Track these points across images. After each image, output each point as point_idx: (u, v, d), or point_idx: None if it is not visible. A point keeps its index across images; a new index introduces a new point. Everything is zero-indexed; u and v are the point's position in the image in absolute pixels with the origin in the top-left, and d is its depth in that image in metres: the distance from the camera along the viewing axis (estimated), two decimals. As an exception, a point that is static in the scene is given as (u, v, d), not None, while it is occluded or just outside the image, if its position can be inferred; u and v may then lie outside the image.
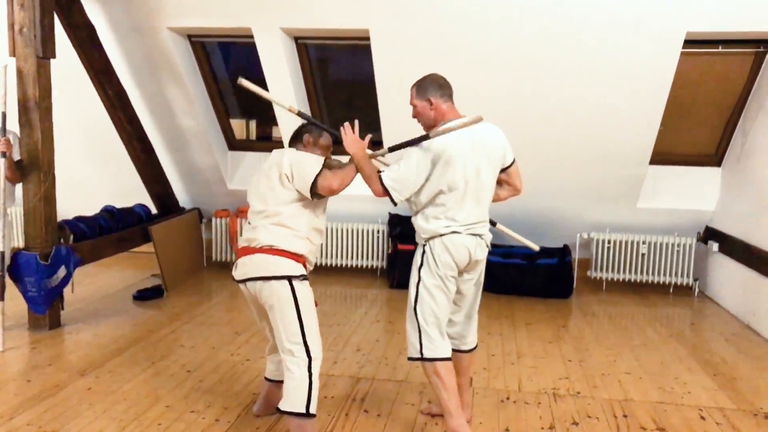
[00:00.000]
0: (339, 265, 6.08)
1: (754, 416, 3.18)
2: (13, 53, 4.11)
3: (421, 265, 2.73)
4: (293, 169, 2.60)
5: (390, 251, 5.84)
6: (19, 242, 5.78)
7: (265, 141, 6.03)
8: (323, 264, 6.05)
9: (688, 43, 4.42)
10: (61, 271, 4.28)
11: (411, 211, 2.80)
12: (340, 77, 5.88)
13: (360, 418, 3.05)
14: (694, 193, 5.46)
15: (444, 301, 2.72)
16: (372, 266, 6.07)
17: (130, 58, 5.31)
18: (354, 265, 6.07)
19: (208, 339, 4.18)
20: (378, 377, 3.58)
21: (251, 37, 4.94)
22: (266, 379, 3.02)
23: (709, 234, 5.45)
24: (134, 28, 5.04)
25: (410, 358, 2.77)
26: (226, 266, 6.27)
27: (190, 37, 5.25)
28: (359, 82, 5.51)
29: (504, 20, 4.39)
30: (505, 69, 4.67)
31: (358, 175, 2.73)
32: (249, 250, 2.64)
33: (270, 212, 2.63)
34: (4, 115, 4.01)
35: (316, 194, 2.62)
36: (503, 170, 2.82)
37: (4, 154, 4.00)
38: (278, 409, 2.62)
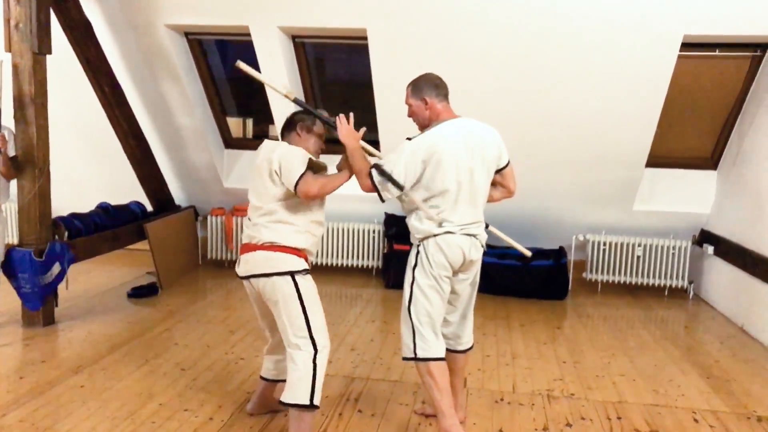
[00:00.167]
0: (334, 264, 6.07)
1: (747, 419, 3.19)
2: (8, 49, 4.09)
3: (415, 265, 2.72)
4: (282, 166, 2.58)
5: (385, 251, 5.83)
6: (13, 238, 5.77)
7: (262, 139, 5.98)
8: (318, 263, 6.04)
9: (685, 46, 4.43)
10: (56, 268, 4.26)
11: (404, 211, 2.79)
12: (337, 76, 5.87)
13: (354, 418, 3.05)
14: (689, 196, 5.47)
15: (438, 301, 2.71)
16: (367, 266, 6.06)
17: (127, 55, 5.30)
18: (349, 265, 6.07)
19: (203, 337, 4.17)
20: (372, 377, 3.57)
21: (248, 35, 4.93)
22: (261, 377, 3.02)
23: (705, 237, 5.46)
24: (131, 25, 5.03)
25: (404, 358, 2.77)
26: (221, 264, 6.27)
27: (187, 34, 5.24)
28: (356, 82, 5.51)
29: (502, 21, 4.39)
30: (503, 70, 4.67)
31: (356, 176, 2.72)
32: (251, 247, 2.65)
33: (267, 210, 2.63)
34: (-1, 110, 4.00)
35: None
36: (498, 171, 2.80)
37: (-1, 150, 3.99)
38: (281, 402, 2.62)
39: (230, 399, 3.22)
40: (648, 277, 5.66)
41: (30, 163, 4.15)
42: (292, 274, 2.60)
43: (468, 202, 2.67)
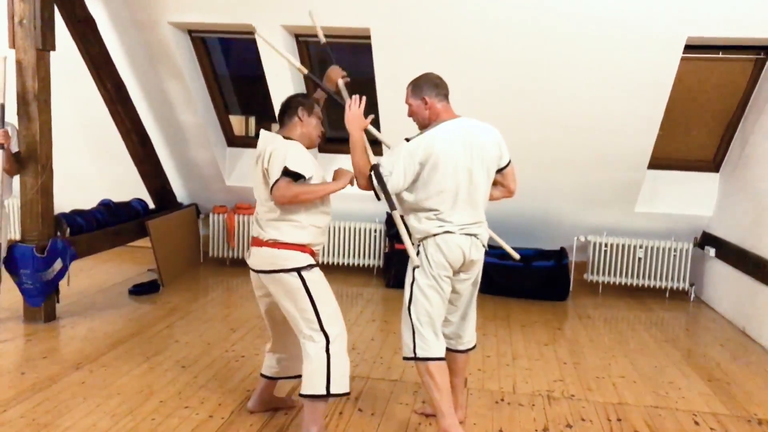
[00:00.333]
0: (335, 263, 6.07)
1: (747, 422, 3.18)
2: (12, 45, 4.09)
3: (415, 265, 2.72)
4: (270, 164, 2.56)
5: (387, 250, 5.84)
6: (15, 234, 5.77)
7: (264, 138, 6.01)
8: (320, 262, 6.03)
9: (689, 48, 4.42)
10: (57, 264, 4.27)
11: (403, 211, 2.76)
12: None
13: (354, 417, 3.05)
14: (691, 199, 5.47)
15: (438, 301, 2.70)
16: (368, 265, 6.06)
17: (130, 52, 5.30)
18: (350, 264, 6.07)
19: (203, 335, 4.17)
20: (372, 376, 3.57)
21: (252, 33, 4.93)
22: (262, 375, 3.02)
23: (706, 239, 5.45)
24: (135, 22, 5.03)
25: (405, 358, 2.77)
26: (223, 262, 6.27)
27: (190, 32, 5.24)
28: (359, 81, 5.49)
29: (505, 22, 4.39)
30: (505, 70, 4.67)
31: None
32: (258, 242, 2.69)
33: (269, 206, 2.65)
34: (2, 106, 3.99)
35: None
36: (499, 171, 2.79)
37: (2, 146, 3.98)
38: (300, 395, 2.65)
39: (231, 397, 3.22)
40: (649, 279, 5.66)
41: (33, 159, 4.15)
42: (298, 270, 2.62)
43: (467, 202, 2.66)
